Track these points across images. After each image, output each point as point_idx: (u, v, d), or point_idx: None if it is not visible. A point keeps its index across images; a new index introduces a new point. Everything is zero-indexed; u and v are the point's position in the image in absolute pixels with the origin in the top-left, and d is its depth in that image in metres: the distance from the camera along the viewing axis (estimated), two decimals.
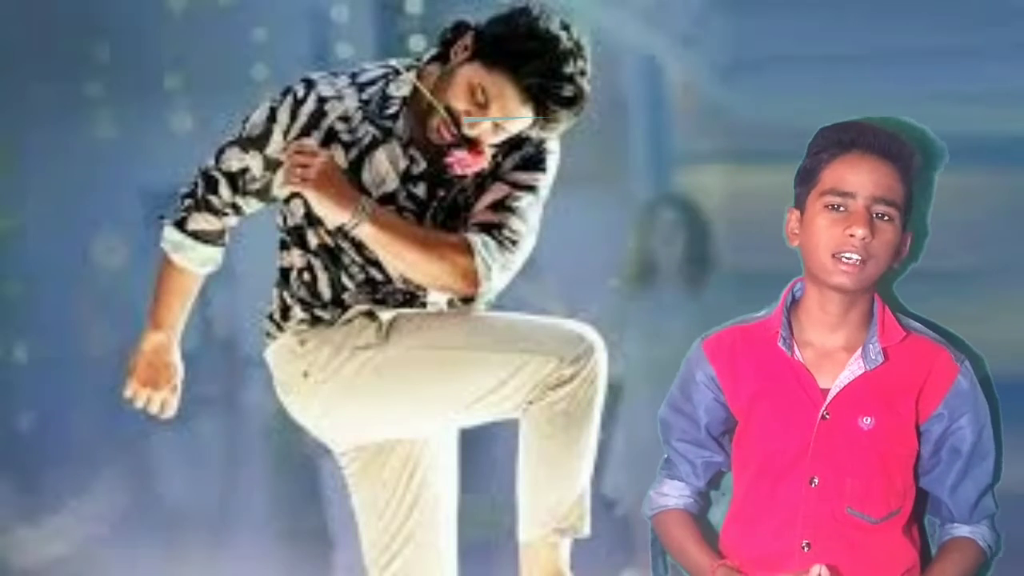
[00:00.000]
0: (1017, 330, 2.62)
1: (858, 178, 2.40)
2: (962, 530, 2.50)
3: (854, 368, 2.43)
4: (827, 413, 2.42)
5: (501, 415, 2.77)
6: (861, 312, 2.46)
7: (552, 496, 2.74)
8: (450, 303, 2.85)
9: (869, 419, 2.42)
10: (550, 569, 2.76)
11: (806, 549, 2.42)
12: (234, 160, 2.81)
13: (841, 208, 2.40)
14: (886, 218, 2.40)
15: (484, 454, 3.13)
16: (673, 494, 2.62)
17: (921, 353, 2.46)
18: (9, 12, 3.91)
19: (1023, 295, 2.62)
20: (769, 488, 2.46)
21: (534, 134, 2.77)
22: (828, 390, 2.44)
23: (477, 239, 2.71)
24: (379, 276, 2.80)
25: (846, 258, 2.39)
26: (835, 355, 2.46)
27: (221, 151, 2.83)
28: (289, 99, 2.79)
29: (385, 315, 2.78)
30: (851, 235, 2.38)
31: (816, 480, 2.42)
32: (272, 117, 2.79)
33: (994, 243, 2.63)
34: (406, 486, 2.89)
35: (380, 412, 2.80)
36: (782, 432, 2.45)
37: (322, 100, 2.78)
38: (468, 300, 2.81)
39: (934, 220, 2.62)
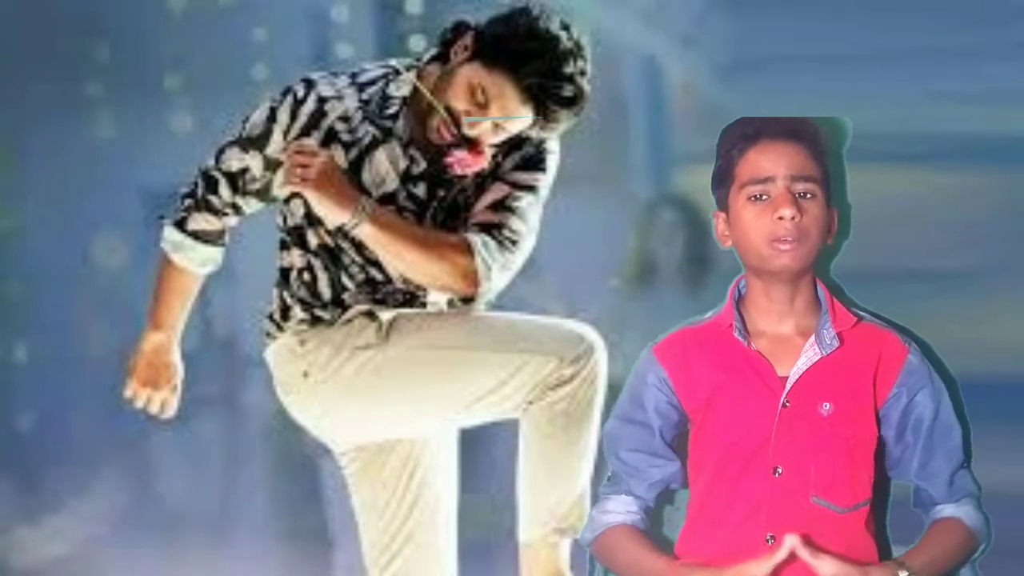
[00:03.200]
0: (1017, 330, 2.62)
1: (772, 163, 2.43)
2: (946, 510, 2.48)
3: (810, 354, 2.44)
4: (787, 401, 2.42)
5: (501, 415, 2.77)
6: (806, 298, 2.48)
7: (552, 496, 2.74)
8: (450, 303, 2.85)
9: (828, 405, 2.43)
10: (550, 569, 2.76)
11: (770, 543, 2.41)
12: (234, 160, 2.81)
13: (764, 196, 2.42)
14: (809, 195, 2.42)
15: (484, 454, 3.13)
16: (619, 510, 2.53)
17: (871, 338, 2.47)
18: (9, 12, 3.91)
19: (1023, 295, 2.62)
20: (731, 483, 2.44)
21: (534, 134, 2.77)
22: (786, 378, 2.44)
23: (477, 239, 2.71)
24: (379, 276, 2.80)
25: (782, 241, 2.41)
26: (789, 342, 2.47)
27: (221, 151, 2.83)
28: (289, 99, 2.79)
29: (385, 315, 2.78)
30: (780, 218, 2.40)
31: (780, 470, 2.42)
32: (272, 117, 2.79)
33: (994, 243, 2.63)
34: (406, 486, 2.90)
35: (380, 412, 2.80)
36: (742, 423, 2.44)
37: (322, 100, 2.79)
38: (468, 300, 2.81)
39: (934, 220, 2.62)
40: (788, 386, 2.43)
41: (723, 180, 2.48)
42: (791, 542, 2.33)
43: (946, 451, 2.47)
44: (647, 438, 2.52)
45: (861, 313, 2.51)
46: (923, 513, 2.52)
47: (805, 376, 2.43)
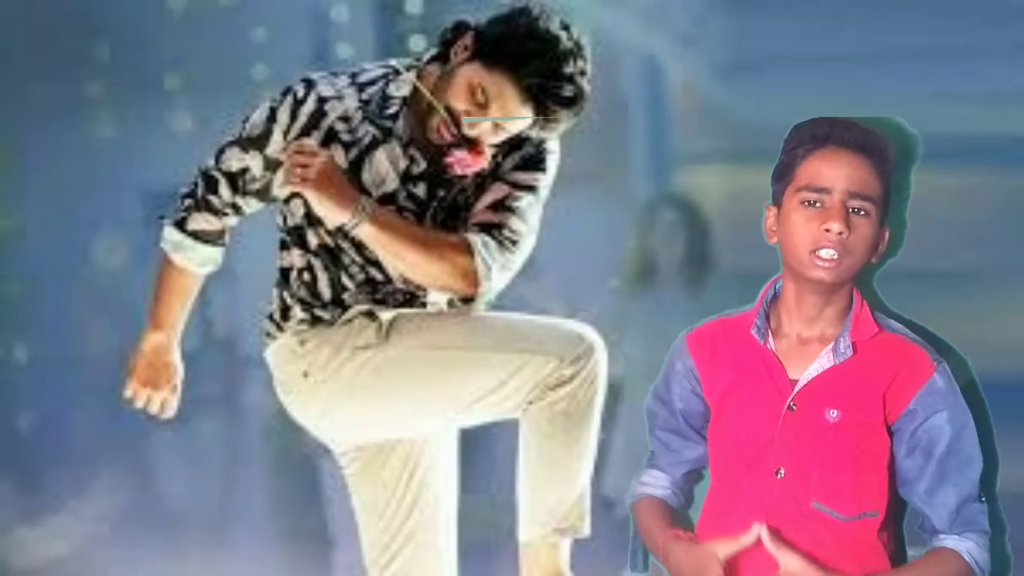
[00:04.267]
0: (1017, 330, 2.62)
1: (833, 172, 2.39)
2: (947, 541, 2.41)
3: (824, 361, 2.43)
4: (794, 404, 2.42)
5: (501, 415, 2.77)
6: (839, 307, 2.46)
7: (552, 496, 2.74)
8: (450, 303, 2.85)
9: (835, 412, 2.41)
10: (550, 569, 2.76)
11: None
12: (234, 160, 2.81)
13: (817, 204, 2.40)
14: (862, 212, 2.39)
15: (484, 454, 3.13)
16: (652, 483, 2.62)
17: (894, 351, 2.44)
18: (9, 12, 3.91)
19: (1023, 295, 2.62)
20: (736, 480, 2.45)
21: (534, 134, 2.77)
22: (797, 381, 2.43)
23: (477, 239, 2.71)
24: (379, 276, 2.80)
25: (823, 254, 2.39)
26: (810, 346, 2.45)
27: (221, 151, 2.83)
28: (289, 99, 2.79)
29: (385, 315, 2.78)
30: (827, 230, 2.38)
31: (782, 471, 2.41)
32: (272, 117, 2.79)
33: (994, 243, 2.63)
34: (406, 486, 2.89)
35: (380, 412, 2.80)
36: (750, 422, 2.44)
37: (322, 100, 2.79)
38: (468, 300, 2.81)
39: (934, 220, 2.62)
40: (796, 389, 2.42)
41: (782, 176, 2.46)
42: (758, 529, 2.37)
43: (959, 481, 2.41)
44: (673, 420, 2.59)
45: (896, 325, 2.48)
46: (928, 538, 2.46)
47: (815, 381, 2.42)
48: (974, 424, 2.44)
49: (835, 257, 2.38)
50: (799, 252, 2.41)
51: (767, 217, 2.49)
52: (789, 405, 2.42)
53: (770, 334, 2.46)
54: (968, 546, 2.41)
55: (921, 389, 2.42)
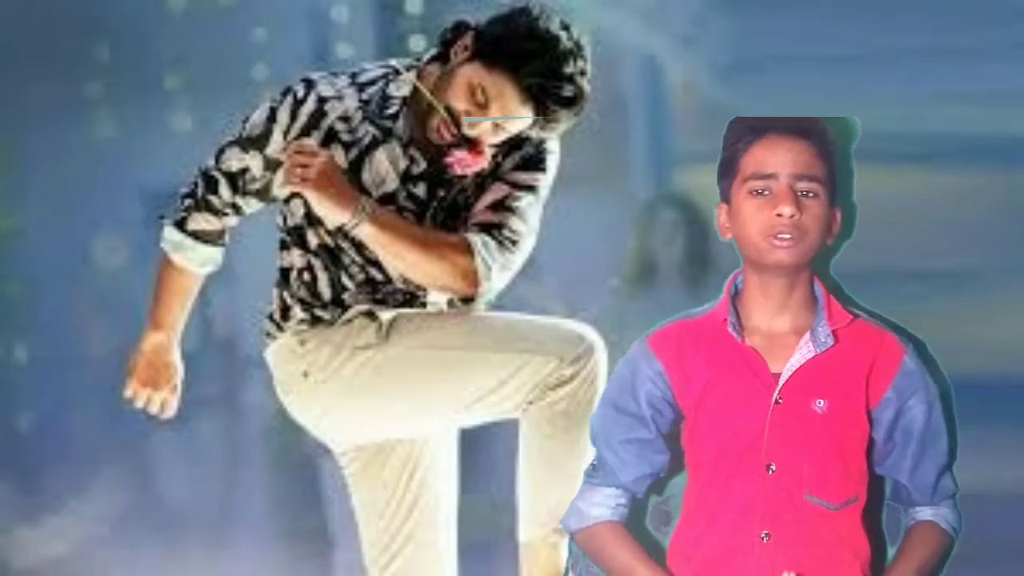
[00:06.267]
0: (1017, 330, 2.62)
1: (776, 159, 2.42)
2: (925, 513, 2.49)
3: (804, 351, 2.44)
4: (780, 398, 2.42)
5: (501, 415, 2.77)
6: (803, 295, 2.47)
7: (552, 496, 2.74)
8: (450, 303, 2.85)
9: (822, 402, 2.43)
10: (550, 569, 2.76)
11: (765, 540, 2.41)
12: (234, 160, 2.81)
13: (765, 192, 2.42)
14: (811, 194, 2.42)
15: (484, 454, 3.14)
16: (607, 503, 2.52)
17: (867, 337, 2.47)
18: (9, 12, 3.92)
19: (1023, 295, 2.62)
20: (724, 480, 2.44)
21: (534, 134, 2.77)
22: (779, 374, 2.44)
23: (477, 239, 2.72)
24: (379, 276, 2.81)
25: (780, 236, 2.41)
26: (783, 339, 2.46)
27: (221, 151, 2.83)
28: (289, 99, 2.79)
29: (385, 315, 2.78)
30: (779, 215, 2.40)
31: (773, 467, 2.42)
32: (272, 117, 2.79)
33: (994, 243, 2.63)
34: (406, 486, 2.90)
35: (380, 412, 2.80)
36: (736, 420, 2.43)
37: (322, 100, 2.79)
38: (468, 300, 2.81)
39: (934, 220, 2.62)
40: (781, 383, 2.43)
41: (727, 172, 2.48)
42: None
43: (934, 455, 2.48)
44: (640, 430, 2.50)
45: (858, 312, 2.52)
46: (901, 509, 2.52)
47: (798, 373, 2.43)
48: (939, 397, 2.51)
49: (791, 238, 2.40)
50: (755, 240, 2.43)
51: (719, 215, 2.51)
52: (776, 399, 2.42)
53: (743, 331, 2.47)
54: (943, 512, 2.49)
55: (896, 374, 2.45)
